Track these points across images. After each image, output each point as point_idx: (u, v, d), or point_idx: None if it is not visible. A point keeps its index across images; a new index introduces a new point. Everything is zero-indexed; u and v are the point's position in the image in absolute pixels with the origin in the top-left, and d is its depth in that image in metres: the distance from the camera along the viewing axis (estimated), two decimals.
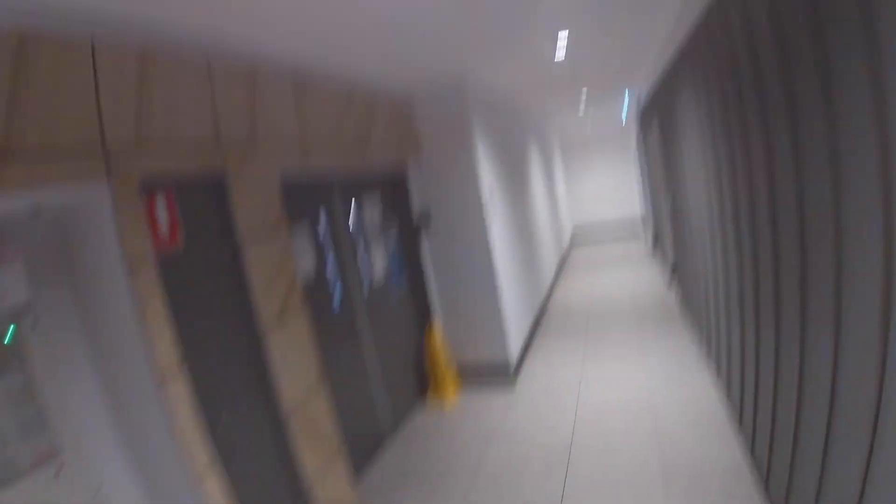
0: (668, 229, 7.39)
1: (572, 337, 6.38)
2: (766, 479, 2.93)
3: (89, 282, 2.22)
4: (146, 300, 2.18)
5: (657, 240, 9.66)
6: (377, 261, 4.71)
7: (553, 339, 6.42)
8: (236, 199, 2.72)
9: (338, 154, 3.77)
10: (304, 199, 3.75)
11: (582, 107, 9.68)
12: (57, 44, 1.99)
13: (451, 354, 5.45)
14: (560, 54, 5.21)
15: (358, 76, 4.19)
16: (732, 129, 2.95)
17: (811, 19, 1.75)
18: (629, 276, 9.20)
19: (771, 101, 2.27)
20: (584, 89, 8.58)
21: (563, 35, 4.51)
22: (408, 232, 5.29)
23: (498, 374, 5.38)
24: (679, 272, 6.74)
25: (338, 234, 4.14)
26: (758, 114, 2.44)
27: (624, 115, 11.49)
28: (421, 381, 5.22)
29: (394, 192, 5.21)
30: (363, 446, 4.11)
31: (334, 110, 3.83)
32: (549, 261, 9.19)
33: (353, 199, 4.49)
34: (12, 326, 2.01)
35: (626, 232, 13.87)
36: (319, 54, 3.50)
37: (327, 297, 3.90)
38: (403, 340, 5.01)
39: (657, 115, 6.83)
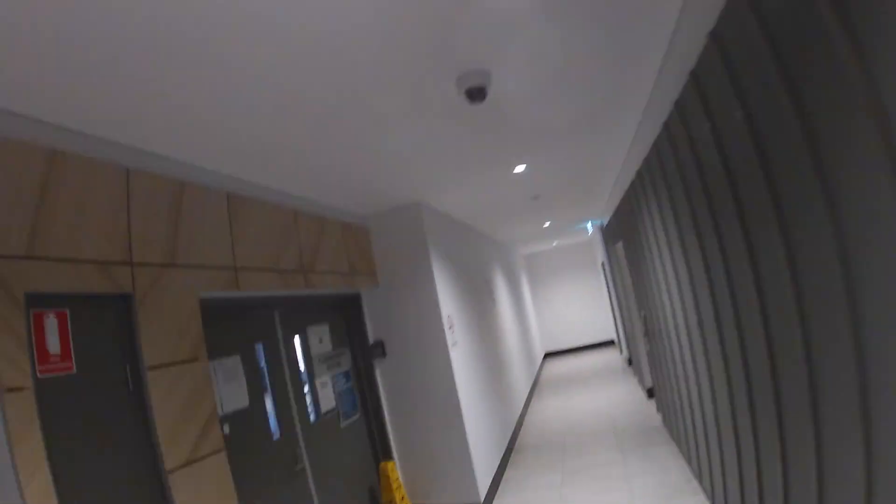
0: (643, 348, 7.14)
1: (548, 466, 5.79)
2: None
3: None
4: (19, 431, 1.75)
5: (632, 360, 9.40)
6: (325, 391, 4.24)
7: (527, 471, 5.81)
8: (142, 325, 2.32)
9: (277, 280, 3.41)
10: (239, 325, 3.38)
11: (546, 230, 9.83)
12: None
13: (410, 494, 4.83)
14: (519, 186, 5.26)
15: (305, 197, 4.02)
16: (704, 232, 2.77)
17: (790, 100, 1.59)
18: (605, 394, 8.74)
19: (746, 193, 2.09)
20: (548, 222, 8.75)
21: (520, 168, 4.54)
22: (362, 360, 4.87)
23: None
24: (658, 392, 6.38)
25: (278, 361, 3.71)
26: (731, 209, 2.26)
27: (590, 232, 11.67)
28: None
29: (346, 317, 4.86)
30: None
31: (275, 233, 3.51)
32: (520, 386, 8.72)
33: (299, 324, 4.11)
34: None
35: (601, 354, 13.49)
36: (259, 176, 3.36)
37: (265, 431, 3.39)
38: (356, 477, 4.39)
39: (622, 236, 6.81)
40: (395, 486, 4.45)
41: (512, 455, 6.44)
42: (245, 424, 3.15)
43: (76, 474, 1.97)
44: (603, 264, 11.39)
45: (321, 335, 4.37)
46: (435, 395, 4.86)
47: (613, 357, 12.22)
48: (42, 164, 2.01)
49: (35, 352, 1.92)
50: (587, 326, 14.39)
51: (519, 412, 7.99)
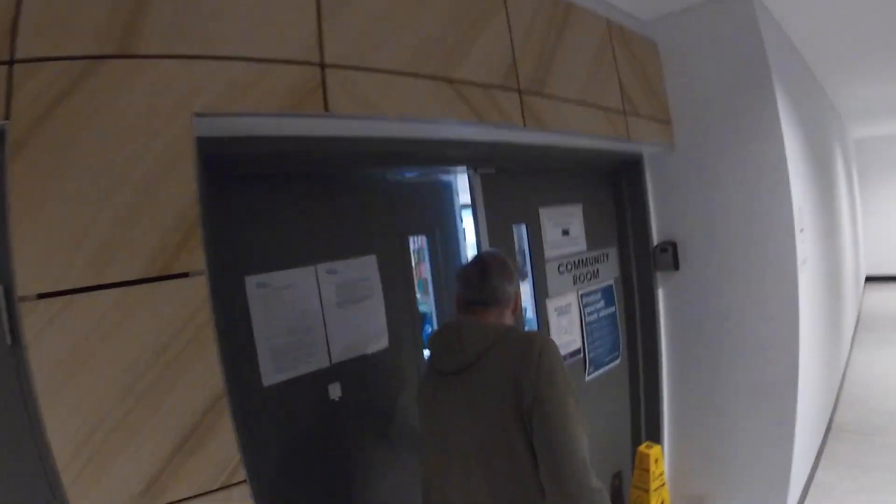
0: None
1: (881, 463, 3.42)
2: None
3: None
4: None
5: None
6: (565, 321, 2.48)
7: (845, 473, 3.47)
8: (16, 203, 0.87)
9: (446, 96, 1.55)
10: (376, 197, 1.78)
11: None
12: None
13: (675, 496, 3.02)
14: None
15: None
16: None
17: None
18: None
19: None
20: None
21: None
22: (635, 270, 2.95)
23: None
24: None
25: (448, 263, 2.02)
26: None
27: None
28: None
29: (615, 195, 2.96)
30: None
31: (440, 6, 1.58)
32: (846, 325, 5.89)
33: (521, 200, 2.34)
34: None
35: None
36: None
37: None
38: (596, 458, 2.67)
39: None
40: (654, 484, 2.65)
41: (828, 441, 4.04)
42: (378, 373, 1.60)
43: None
44: None
45: (566, 223, 2.54)
46: (758, 344, 2.76)
47: None
48: None
49: None
50: None
51: (841, 370, 5.31)
